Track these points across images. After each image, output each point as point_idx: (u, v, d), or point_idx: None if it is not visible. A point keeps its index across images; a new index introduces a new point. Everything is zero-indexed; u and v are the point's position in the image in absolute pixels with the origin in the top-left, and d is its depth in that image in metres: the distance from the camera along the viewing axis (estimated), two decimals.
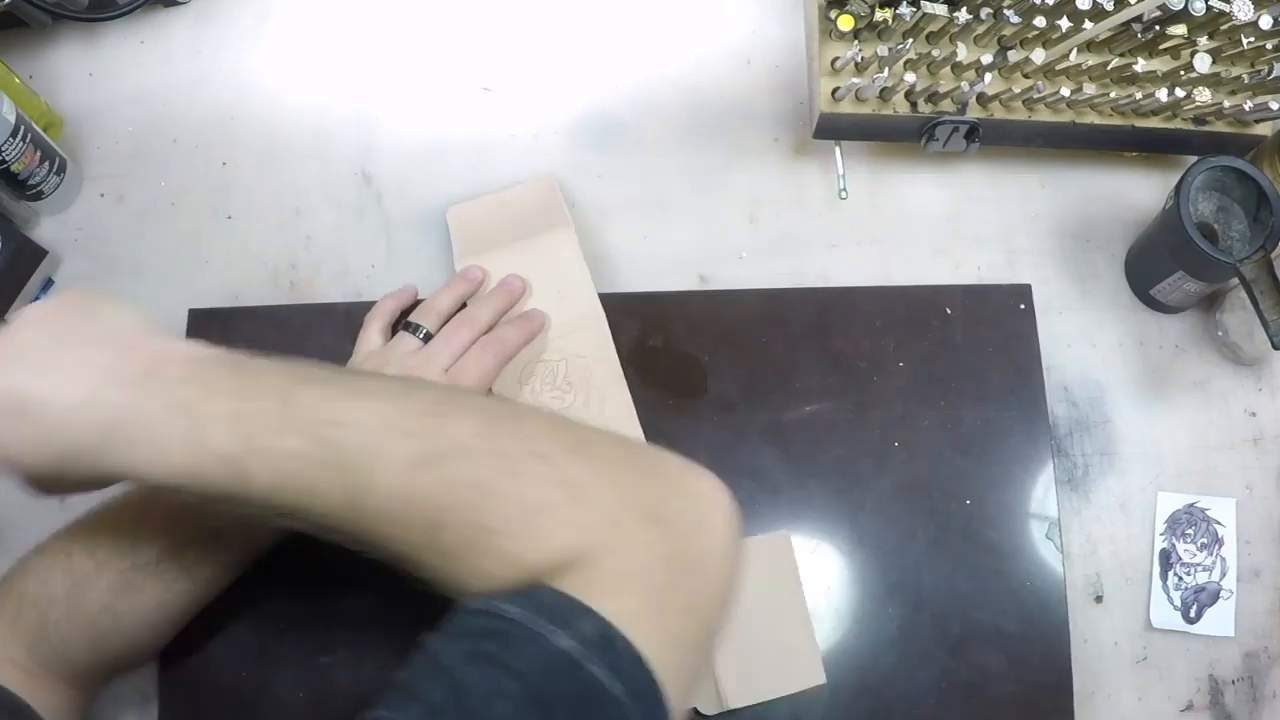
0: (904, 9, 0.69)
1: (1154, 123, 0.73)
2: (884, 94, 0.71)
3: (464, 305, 0.71)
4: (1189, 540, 0.70)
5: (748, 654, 0.64)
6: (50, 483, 0.46)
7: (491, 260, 0.73)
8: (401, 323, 0.70)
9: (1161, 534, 0.70)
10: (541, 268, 0.73)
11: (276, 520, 0.45)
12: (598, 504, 0.43)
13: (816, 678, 0.65)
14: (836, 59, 0.70)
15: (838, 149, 0.75)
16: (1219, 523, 0.71)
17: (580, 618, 0.39)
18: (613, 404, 0.70)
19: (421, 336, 0.68)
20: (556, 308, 0.71)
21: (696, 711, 0.64)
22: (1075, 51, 0.71)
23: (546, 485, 0.43)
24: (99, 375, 0.44)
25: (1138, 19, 0.70)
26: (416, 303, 0.72)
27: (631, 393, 0.70)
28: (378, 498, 0.43)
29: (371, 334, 0.69)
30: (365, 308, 0.72)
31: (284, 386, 0.44)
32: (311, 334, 0.72)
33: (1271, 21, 0.71)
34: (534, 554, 0.41)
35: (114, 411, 0.43)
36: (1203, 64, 0.71)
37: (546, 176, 0.76)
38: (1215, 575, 0.70)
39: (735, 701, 0.64)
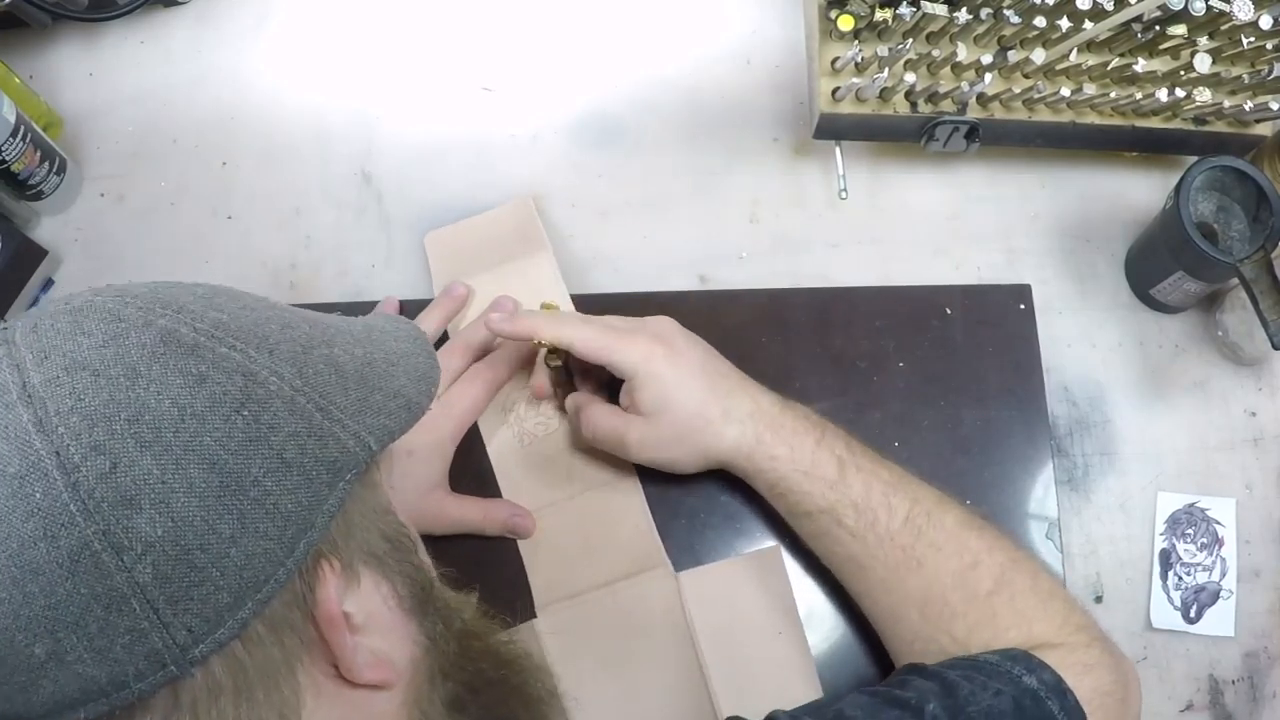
0: (904, 9, 0.69)
1: (1154, 123, 0.73)
2: (884, 94, 0.71)
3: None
4: (1189, 540, 0.70)
5: (743, 671, 0.64)
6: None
7: (471, 285, 0.73)
8: None
9: (1161, 534, 0.70)
10: (521, 291, 0.72)
11: (817, 515, 0.60)
12: (1074, 616, 0.57)
13: (813, 692, 0.64)
14: (836, 59, 0.70)
15: (838, 149, 0.75)
16: (1219, 523, 0.71)
17: (1042, 670, 0.52)
18: None
19: None
20: None
21: None
22: (1075, 51, 0.71)
23: (1044, 584, 0.58)
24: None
25: (1138, 19, 0.70)
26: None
27: None
28: (936, 529, 0.58)
29: None
30: (365, 308, 0.72)
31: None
32: None
33: (1271, 21, 0.71)
34: (1021, 631, 0.55)
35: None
36: (1203, 64, 0.71)
37: (524, 199, 0.76)
38: (1215, 575, 0.70)
39: None
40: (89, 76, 0.80)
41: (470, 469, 0.69)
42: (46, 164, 0.73)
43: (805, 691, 0.64)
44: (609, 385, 0.67)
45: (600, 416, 0.65)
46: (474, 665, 0.48)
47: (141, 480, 0.34)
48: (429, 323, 0.70)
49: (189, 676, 0.36)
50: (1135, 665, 0.58)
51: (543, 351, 0.66)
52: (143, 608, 0.34)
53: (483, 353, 0.70)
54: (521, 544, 0.67)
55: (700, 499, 0.68)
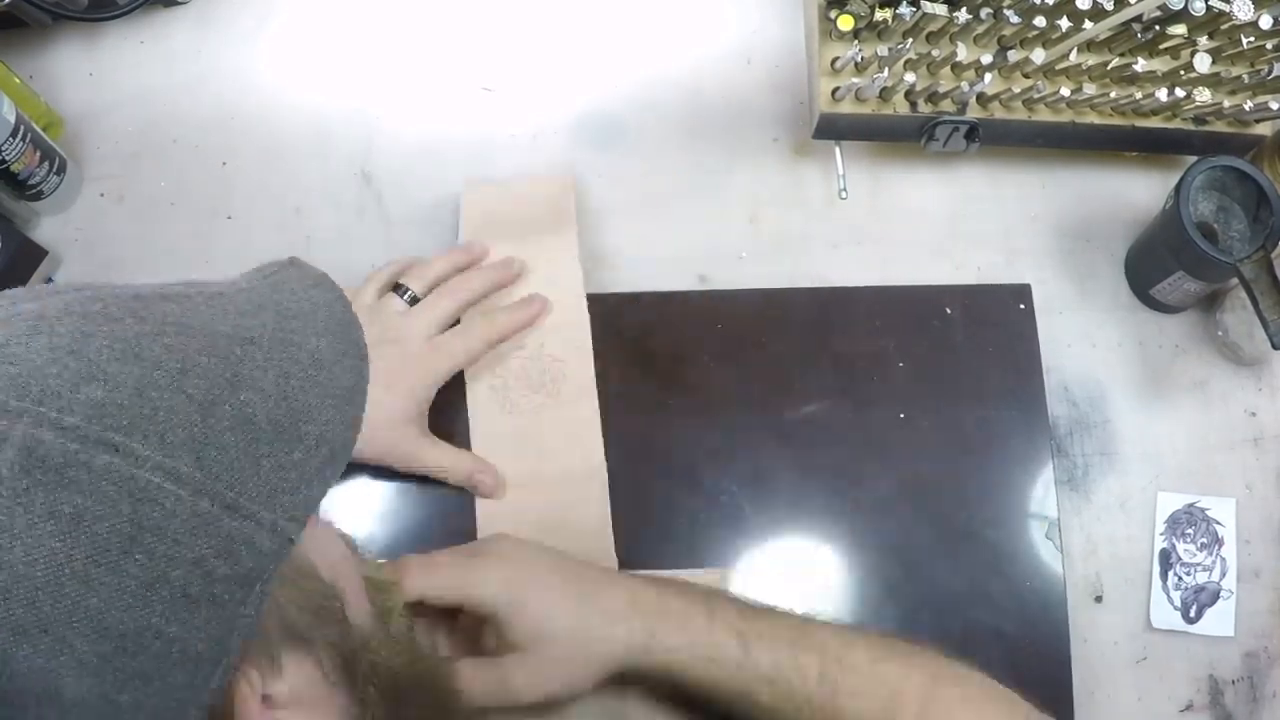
0: (904, 9, 0.69)
1: (1154, 123, 0.73)
2: (884, 94, 0.71)
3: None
4: (1189, 540, 0.70)
5: None
6: None
7: (492, 248, 0.73)
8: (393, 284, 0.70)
9: (1161, 534, 0.70)
10: (538, 267, 0.73)
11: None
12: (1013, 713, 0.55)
13: None
14: (836, 59, 0.70)
15: (838, 149, 0.75)
16: (1219, 523, 0.71)
17: None
18: (579, 410, 0.70)
19: (407, 299, 0.68)
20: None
21: None
22: (1075, 51, 0.71)
23: (974, 691, 0.56)
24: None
25: (1138, 19, 0.70)
26: None
27: (631, 394, 0.70)
28: (850, 674, 0.55)
29: (367, 291, 0.69)
30: None
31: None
32: None
33: (1271, 21, 0.71)
34: None
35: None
36: (1203, 64, 0.71)
37: (567, 176, 0.76)
38: (1215, 575, 0.70)
39: None
40: (89, 76, 0.80)
41: (443, 421, 0.68)
42: (46, 164, 0.73)
43: None
44: (468, 628, 0.59)
45: (473, 675, 0.55)
46: (405, 715, 0.46)
47: (23, 677, 0.29)
48: (434, 268, 0.70)
49: None
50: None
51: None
52: None
53: (474, 301, 0.69)
54: (479, 507, 0.67)
55: (701, 500, 0.68)
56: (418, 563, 0.56)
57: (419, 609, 0.55)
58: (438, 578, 0.55)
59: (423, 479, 0.67)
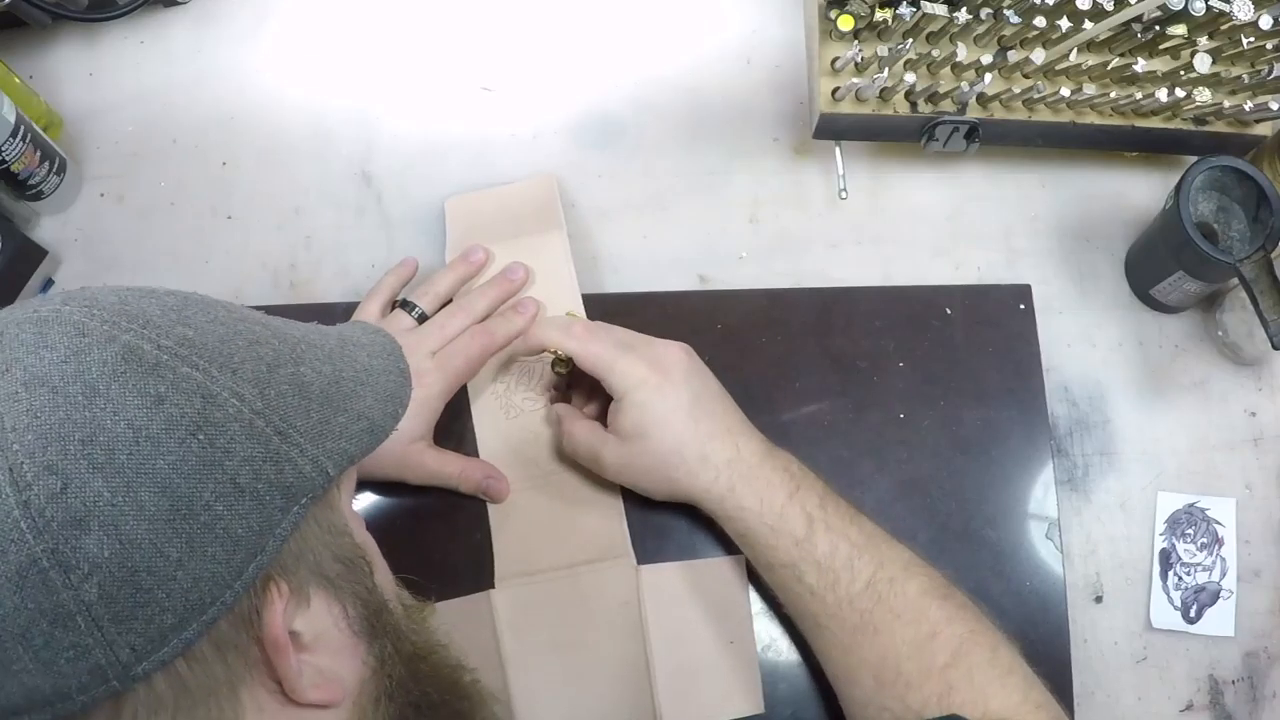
0: (904, 9, 0.69)
1: (1154, 123, 0.73)
2: (884, 94, 0.71)
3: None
4: (1189, 540, 0.70)
5: (689, 674, 0.64)
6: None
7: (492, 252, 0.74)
8: (399, 300, 0.71)
9: (1161, 534, 0.70)
10: (531, 267, 0.73)
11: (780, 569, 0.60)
12: (1033, 693, 0.57)
13: (754, 706, 0.64)
14: (836, 59, 0.70)
15: (838, 149, 0.75)
16: (1219, 523, 0.71)
17: None
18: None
19: (416, 316, 0.69)
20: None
21: None
22: (1075, 51, 0.71)
23: (1004, 659, 0.57)
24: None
25: (1138, 19, 0.70)
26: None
27: None
28: (897, 596, 0.58)
29: (370, 308, 0.70)
30: None
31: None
32: None
33: (1271, 21, 0.71)
34: (976, 708, 0.55)
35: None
36: (1203, 64, 0.71)
37: (548, 176, 0.77)
38: (1215, 575, 0.70)
39: None
40: (89, 76, 0.80)
41: (453, 430, 0.69)
42: (46, 164, 0.73)
43: (747, 704, 0.64)
44: (602, 395, 0.67)
45: (579, 431, 0.65)
46: (420, 688, 0.48)
47: (92, 502, 0.35)
48: (441, 283, 0.71)
49: (131, 691, 0.36)
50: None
51: (551, 355, 0.66)
52: (87, 625, 0.35)
53: (485, 317, 0.70)
54: (492, 512, 0.68)
55: None
56: (587, 327, 0.65)
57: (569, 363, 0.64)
58: (596, 350, 0.63)
59: (434, 489, 0.67)
